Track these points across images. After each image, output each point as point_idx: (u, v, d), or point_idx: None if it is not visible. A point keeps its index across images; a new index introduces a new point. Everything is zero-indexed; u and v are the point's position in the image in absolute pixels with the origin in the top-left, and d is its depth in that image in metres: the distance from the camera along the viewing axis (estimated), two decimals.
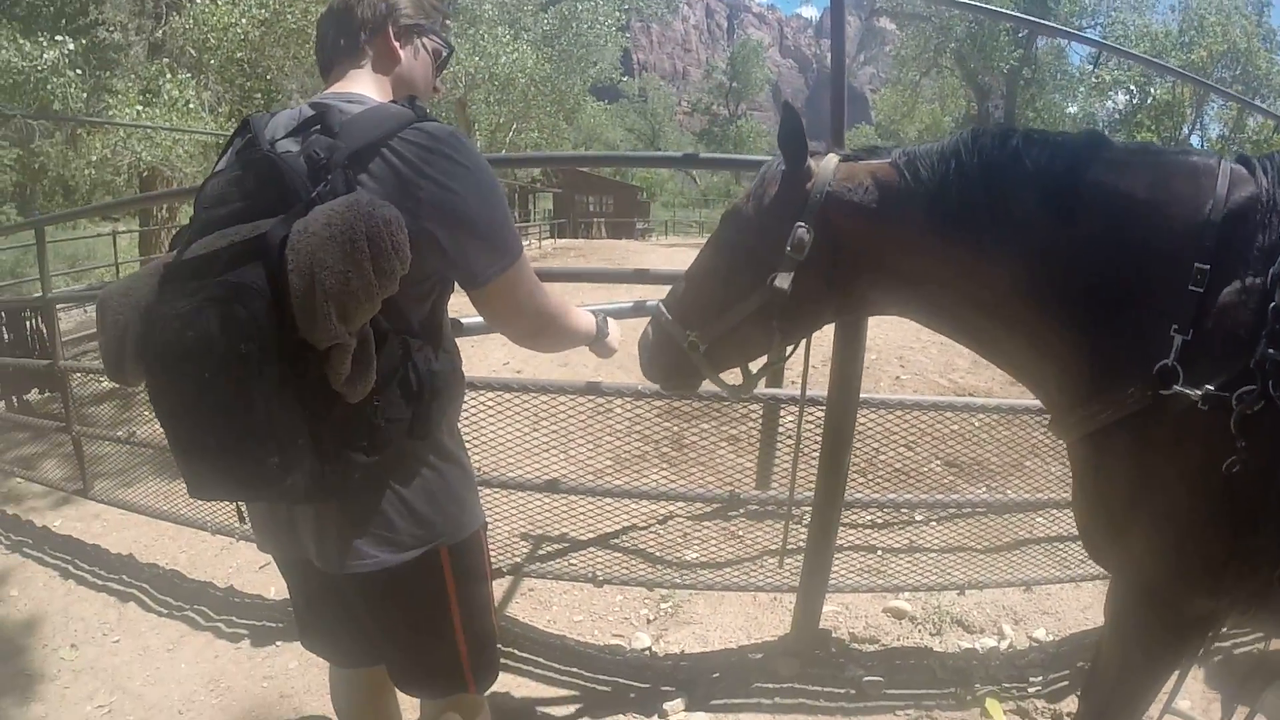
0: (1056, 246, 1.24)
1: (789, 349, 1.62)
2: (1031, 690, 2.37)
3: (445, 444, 1.28)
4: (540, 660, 2.53)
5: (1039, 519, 3.30)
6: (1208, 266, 1.11)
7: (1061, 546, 3.14)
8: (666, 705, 2.24)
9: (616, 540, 3.28)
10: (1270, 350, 1.04)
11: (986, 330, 1.38)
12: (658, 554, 3.20)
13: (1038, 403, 1.56)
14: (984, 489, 3.87)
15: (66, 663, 2.59)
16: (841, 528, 2.55)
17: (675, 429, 4.04)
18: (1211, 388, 1.07)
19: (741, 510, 3.38)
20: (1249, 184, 1.16)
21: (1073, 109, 31.03)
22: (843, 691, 2.36)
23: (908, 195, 1.34)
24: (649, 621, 2.82)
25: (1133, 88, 28.84)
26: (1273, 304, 1.05)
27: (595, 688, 2.38)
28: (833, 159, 1.43)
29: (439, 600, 1.28)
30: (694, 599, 2.89)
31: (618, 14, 26.44)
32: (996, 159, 1.30)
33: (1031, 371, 1.39)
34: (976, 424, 3.39)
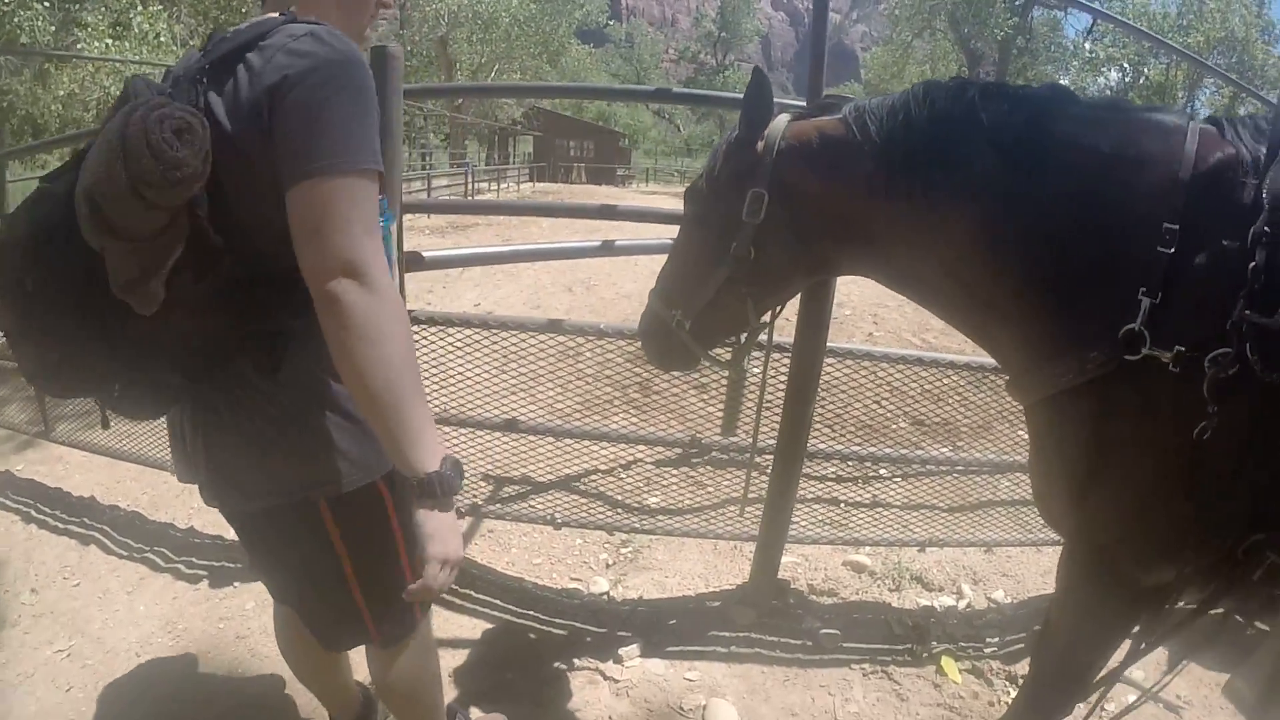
0: (1017, 204, 1.19)
1: (766, 316, 1.64)
2: (987, 651, 2.38)
3: (318, 394, 1.16)
4: (497, 602, 2.47)
5: (1004, 481, 3.30)
6: (1177, 227, 1.06)
7: (1024, 510, 3.15)
8: (622, 651, 2.20)
9: (578, 484, 3.22)
10: (1248, 311, 0.99)
11: (945, 290, 1.33)
12: (619, 499, 3.16)
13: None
14: (949, 449, 3.88)
15: (27, 607, 2.50)
16: (805, 479, 2.52)
17: (644, 375, 3.97)
18: (1183, 349, 1.02)
19: (706, 457, 3.33)
20: (1219, 144, 1.11)
21: (1064, 82, 30.70)
22: (799, 643, 2.34)
23: (856, 151, 1.31)
24: (608, 566, 2.78)
25: (1126, 65, 28.73)
26: (1252, 264, 1.00)
27: (552, 631, 2.34)
28: (783, 118, 1.42)
29: (324, 551, 1.22)
30: (654, 545, 2.85)
31: None
32: (950, 112, 1.24)
33: (991, 332, 1.33)
34: (946, 384, 3.36)
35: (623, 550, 2.84)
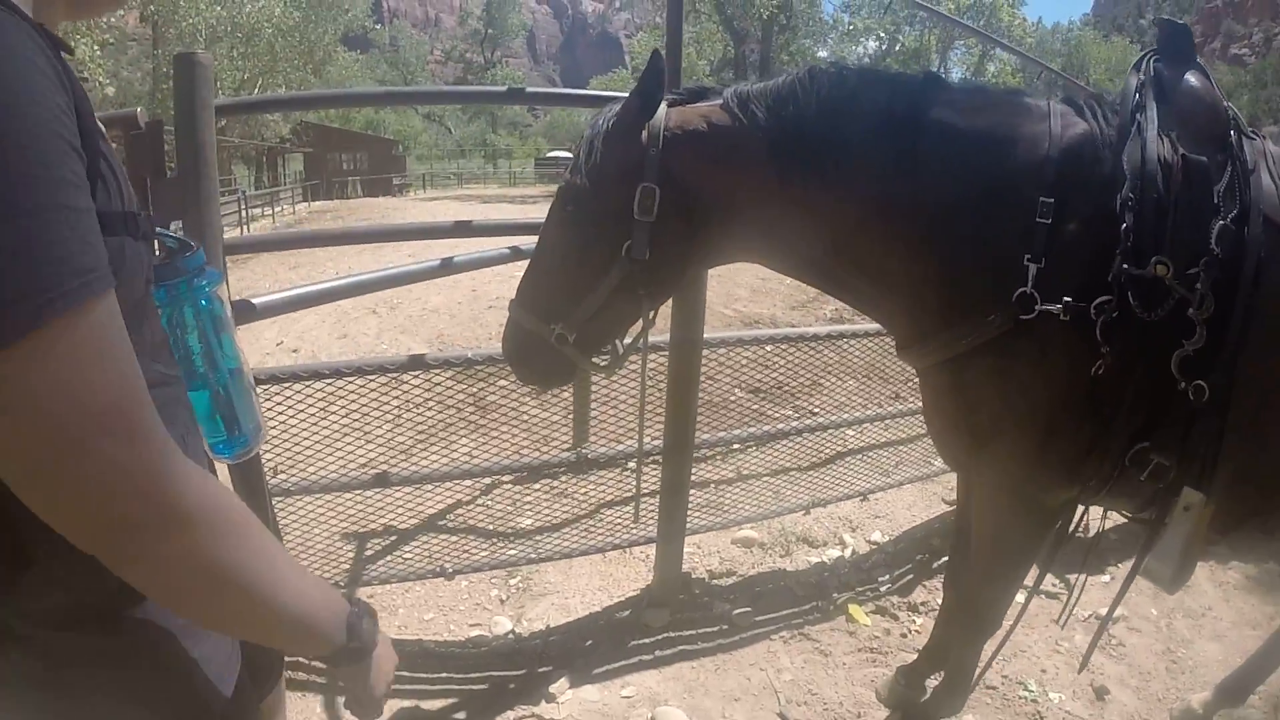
0: (902, 186, 1.28)
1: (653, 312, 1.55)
2: (883, 589, 2.58)
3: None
4: (404, 673, 2.23)
5: (849, 434, 3.58)
6: (1051, 200, 1.20)
7: (875, 456, 3.44)
8: (551, 688, 2.08)
9: (444, 522, 2.99)
10: (1125, 265, 1.15)
11: (835, 270, 1.39)
12: (492, 527, 2.98)
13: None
14: (790, 410, 4.13)
15: None
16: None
17: (475, 390, 3.77)
18: (1070, 301, 1.18)
19: (564, 466, 3.23)
20: (1078, 122, 1.27)
21: (824, 54, 33.96)
22: (716, 629, 2.37)
23: (745, 138, 1.31)
24: (503, 603, 2.61)
25: (882, 35, 32.03)
26: (1124, 225, 1.16)
27: (471, 687, 2.14)
28: (662, 106, 1.35)
29: None
30: (544, 568, 2.72)
31: None
32: (835, 99, 1.29)
33: (883, 306, 1.44)
34: (769, 350, 3.53)
35: (512, 582, 2.68)
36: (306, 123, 29.84)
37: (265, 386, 2.13)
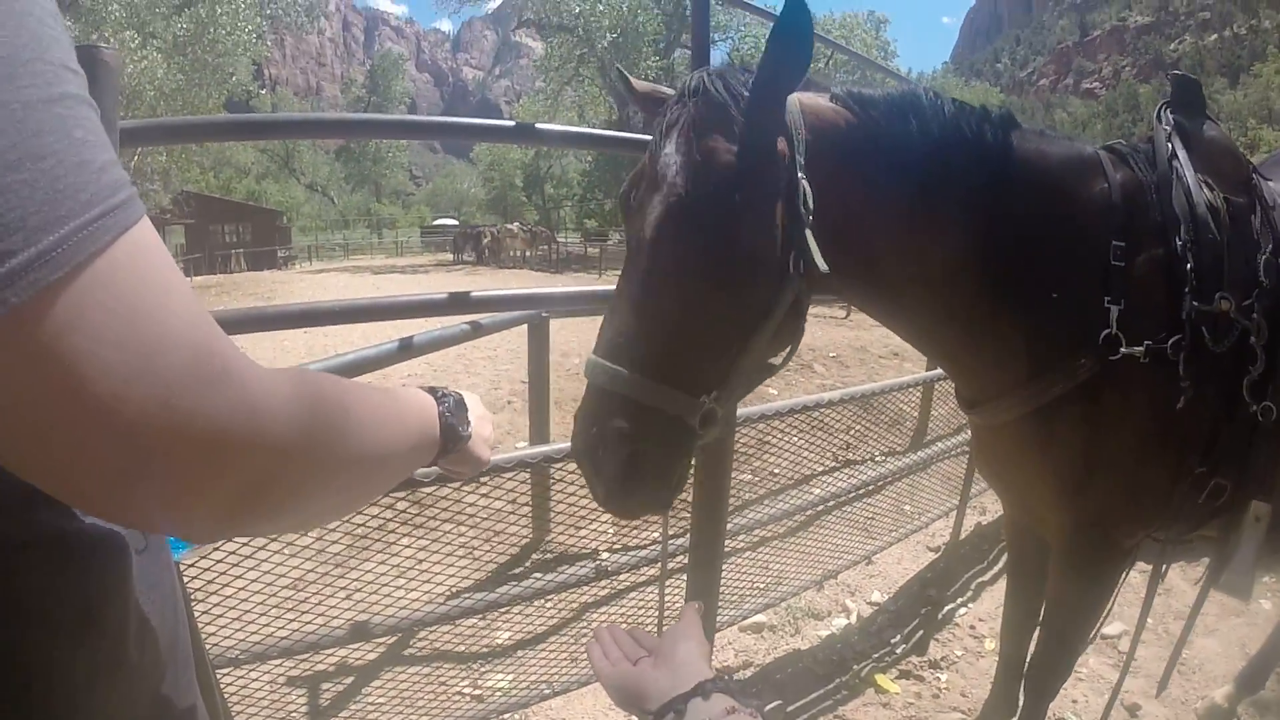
0: (1001, 225, 1.23)
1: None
2: (899, 650, 2.46)
3: None
4: None
5: (815, 492, 3.44)
6: (1123, 243, 1.22)
7: (851, 511, 3.35)
8: None
9: (411, 650, 2.59)
10: (1195, 303, 1.20)
11: (927, 312, 1.28)
12: (465, 649, 2.56)
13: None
14: (749, 474, 3.96)
15: None
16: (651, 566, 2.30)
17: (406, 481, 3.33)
18: (1151, 343, 1.20)
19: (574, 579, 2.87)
20: (1125, 169, 1.31)
21: None
22: None
23: (873, 146, 1.15)
24: None
25: None
26: (1189, 265, 1.21)
27: None
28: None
29: None
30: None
31: (259, 19, 23.41)
32: (954, 123, 1.21)
33: (966, 357, 1.37)
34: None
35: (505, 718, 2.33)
36: (188, 193, 28.40)
37: None
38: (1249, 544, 1.31)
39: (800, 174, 1.03)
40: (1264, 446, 1.26)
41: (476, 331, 2.51)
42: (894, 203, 1.17)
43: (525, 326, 3.09)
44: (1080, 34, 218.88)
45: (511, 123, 1.92)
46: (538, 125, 1.96)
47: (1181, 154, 1.30)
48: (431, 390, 0.69)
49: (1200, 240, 1.22)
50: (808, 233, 1.02)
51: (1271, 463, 1.28)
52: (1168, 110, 1.39)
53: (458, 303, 1.78)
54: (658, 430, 0.98)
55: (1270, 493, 1.29)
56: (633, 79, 1.31)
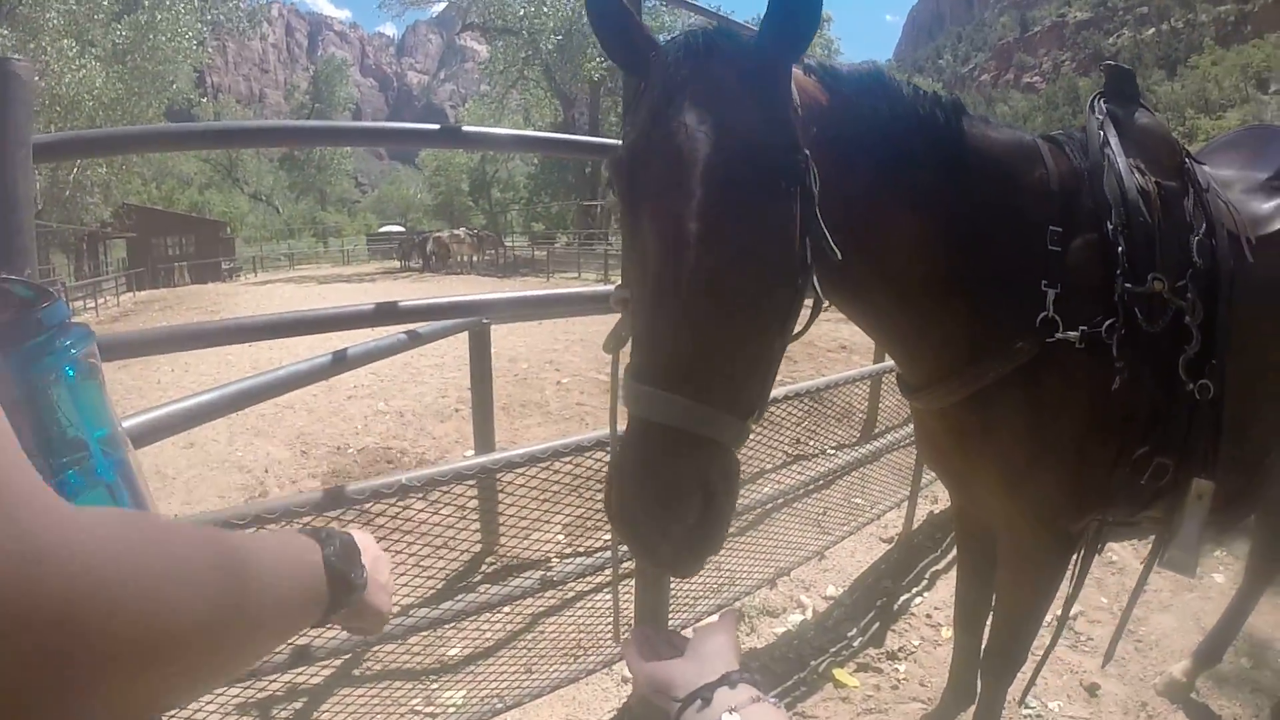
0: (956, 208, 1.23)
1: None
2: (856, 644, 2.47)
3: None
4: None
5: (766, 489, 3.45)
6: (1060, 229, 1.24)
7: (803, 506, 3.36)
8: None
9: (359, 670, 2.48)
10: (1128, 284, 1.23)
11: (884, 295, 1.26)
12: (416, 665, 2.47)
13: None
14: None
15: None
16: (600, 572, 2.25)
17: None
18: (1086, 327, 1.22)
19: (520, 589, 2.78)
20: (1063, 158, 1.33)
21: None
22: None
23: (849, 125, 1.10)
24: None
25: None
26: (1121, 248, 1.24)
27: None
28: None
29: None
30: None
31: (200, 25, 22.70)
32: (914, 108, 1.20)
33: (913, 342, 1.36)
34: None
35: None
36: (129, 205, 27.40)
37: None
38: (1192, 522, 1.34)
39: (807, 151, 0.91)
40: (1204, 425, 1.29)
41: (414, 341, 2.46)
42: (864, 184, 1.11)
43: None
44: (1021, 30, 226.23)
45: (457, 127, 1.85)
46: (484, 129, 1.92)
47: (1114, 141, 1.34)
48: (314, 532, 0.60)
49: (1132, 224, 1.25)
50: (810, 208, 0.90)
51: (1212, 441, 1.31)
52: (1101, 100, 1.42)
53: (385, 313, 1.72)
54: (720, 466, 0.82)
55: (1212, 470, 1.32)
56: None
